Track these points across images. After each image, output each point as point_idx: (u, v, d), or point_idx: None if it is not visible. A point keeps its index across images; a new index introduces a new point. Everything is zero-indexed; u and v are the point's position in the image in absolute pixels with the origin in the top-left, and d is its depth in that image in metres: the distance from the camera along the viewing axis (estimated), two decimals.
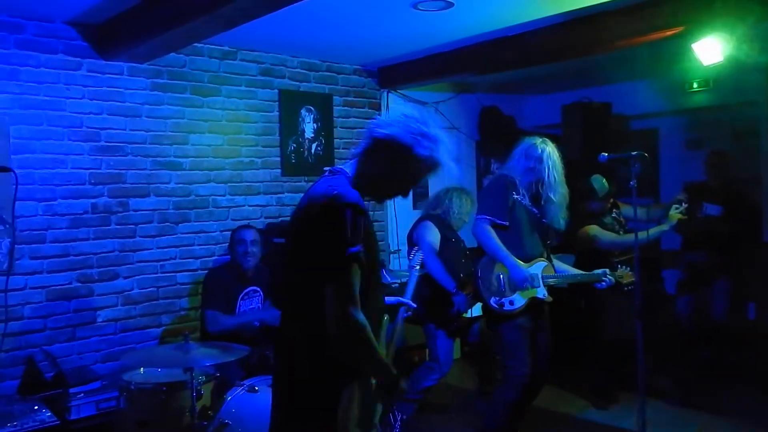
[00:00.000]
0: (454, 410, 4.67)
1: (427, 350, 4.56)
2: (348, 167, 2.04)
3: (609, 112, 5.92)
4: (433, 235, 4.19)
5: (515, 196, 3.56)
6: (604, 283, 3.63)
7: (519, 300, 3.54)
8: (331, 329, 1.83)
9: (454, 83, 6.19)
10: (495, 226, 3.55)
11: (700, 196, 4.87)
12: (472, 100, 6.51)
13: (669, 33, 3.89)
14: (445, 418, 4.54)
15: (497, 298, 3.55)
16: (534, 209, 3.61)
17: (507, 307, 3.54)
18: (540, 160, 3.55)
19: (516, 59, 4.76)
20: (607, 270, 3.66)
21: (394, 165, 1.99)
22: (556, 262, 3.80)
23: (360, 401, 1.96)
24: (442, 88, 6.16)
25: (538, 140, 3.63)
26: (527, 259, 3.59)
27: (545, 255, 3.70)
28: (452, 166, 2.07)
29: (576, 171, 5.85)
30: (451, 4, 3.83)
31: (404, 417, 4.05)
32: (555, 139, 6.12)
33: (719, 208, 4.79)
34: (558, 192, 3.58)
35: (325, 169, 2.07)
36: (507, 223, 3.55)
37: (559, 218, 3.63)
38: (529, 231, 3.61)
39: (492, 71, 5.20)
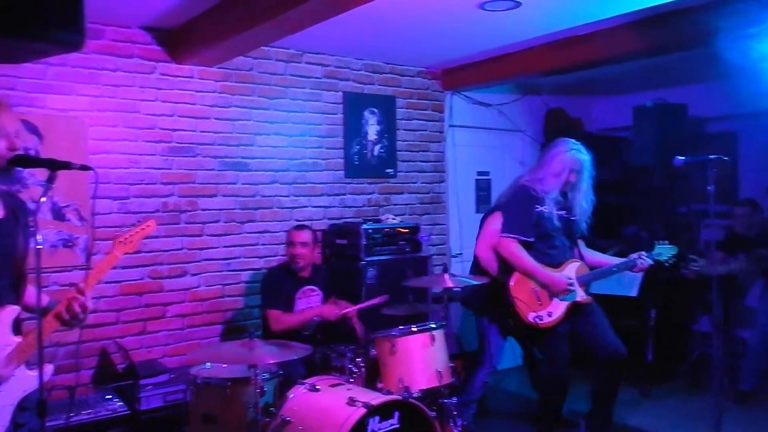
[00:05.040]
0: (515, 417, 4.59)
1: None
2: None
3: (684, 114, 5.70)
4: (494, 229, 4.15)
5: (538, 209, 3.53)
6: (640, 264, 3.61)
7: (557, 309, 3.50)
8: None
9: (519, 85, 6.09)
10: (521, 242, 3.57)
11: None
12: (537, 101, 6.40)
13: (751, 31, 3.72)
14: (506, 425, 4.46)
15: (535, 313, 3.51)
16: (560, 212, 3.58)
17: (545, 319, 3.52)
18: (576, 172, 3.56)
19: (585, 59, 4.64)
20: (643, 252, 3.64)
21: None
22: (590, 253, 3.75)
23: None
24: (507, 89, 6.07)
25: (577, 151, 3.60)
26: (558, 264, 3.58)
27: (575, 254, 3.70)
28: None
29: (648, 176, 5.73)
30: (519, 4, 3.77)
31: (465, 423, 4.00)
32: (625, 143, 6.00)
33: None
34: (586, 197, 3.60)
35: None
36: (533, 240, 3.56)
37: (583, 222, 3.67)
38: (557, 237, 3.62)
39: (559, 72, 5.08)
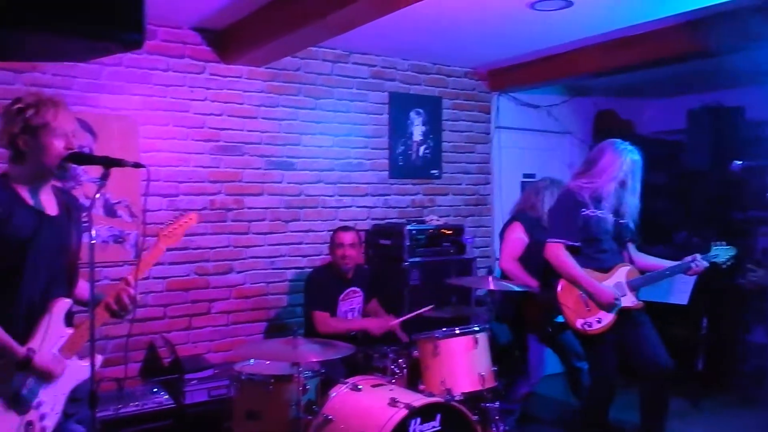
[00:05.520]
0: (557, 424, 4.51)
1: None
2: None
3: (741, 117, 5.50)
4: (515, 239, 4.09)
5: (584, 212, 3.44)
6: (695, 267, 3.50)
7: (607, 315, 3.42)
8: None
9: (568, 86, 5.98)
10: (567, 247, 3.47)
11: None
12: (587, 103, 6.27)
13: None
14: None
15: (583, 320, 3.42)
16: (609, 216, 3.49)
17: (594, 326, 3.44)
18: (628, 172, 3.46)
19: (638, 60, 4.52)
20: (698, 255, 3.50)
21: None
22: (641, 256, 3.67)
23: None
24: (555, 90, 5.97)
25: (628, 151, 3.52)
26: (607, 269, 3.49)
27: (625, 258, 3.59)
28: None
29: (702, 180, 5.56)
30: (571, 3, 3.70)
31: (507, 428, 3.95)
32: (679, 146, 5.82)
33: None
34: (635, 198, 3.50)
35: None
36: (579, 244, 3.47)
37: (631, 224, 3.55)
38: (605, 241, 3.51)
39: (611, 73, 4.96)
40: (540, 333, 4.11)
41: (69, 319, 2.30)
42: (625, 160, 3.46)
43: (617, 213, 3.51)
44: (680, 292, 4.27)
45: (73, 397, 2.29)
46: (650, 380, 3.50)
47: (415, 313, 3.98)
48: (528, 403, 4.45)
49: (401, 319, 3.98)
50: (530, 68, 5.18)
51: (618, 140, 3.58)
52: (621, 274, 3.47)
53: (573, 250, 3.47)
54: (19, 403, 2.13)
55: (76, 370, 2.28)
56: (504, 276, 4.18)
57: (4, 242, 2.13)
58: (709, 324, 4.99)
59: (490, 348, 3.52)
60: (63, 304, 2.27)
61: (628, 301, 3.44)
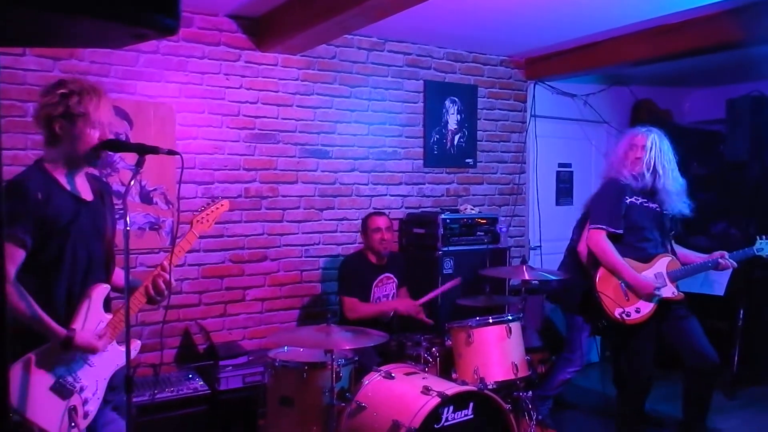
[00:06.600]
0: (592, 412, 4.46)
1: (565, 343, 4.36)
2: None
3: None
4: None
5: (628, 200, 3.39)
6: (722, 263, 3.47)
7: (646, 305, 3.36)
8: None
9: (606, 75, 5.87)
10: (610, 234, 3.43)
11: None
12: (625, 92, 6.14)
13: None
14: (583, 420, 4.36)
15: (621, 309, 3.37)
16: (650, 204, 3.44)
17: (633, 315, 3.39)
18: (645, 148, 3.42)
19: (679, 49, 4.40)
20: (725, 252, 3.48)
21: None
22: (683, 251, 3.63)
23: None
24: (593, 80, 5.86)
25: (642, 129, 3.50)
26: (649, 259, 3.44)
27: (668, 248, 3.53)
28: None
29: (741, 171, 5.41)
30: None
31: (540, 417, 3.92)
32: (718, 137, 5.69)
33: None
34: (671, 178, 3.43)
35: None
36: (621, 231, 3.43)
37: (679, 206, 3.47)
38: (648, 230, 3.46)
39: (650, 62, 4.85)
40: (594, 324, 4.07)
41: (107, 305, 2.34)
42: (630, 138, 3.47)
43: (660, 203, 3.45)
44: (717, 283, 4.20)
45: (111, 385, 2.33)
46: (691, 373, 3.45)
47: (444, 288, 3.98)
48: (562, 391, 4.41)
49: (427, 297, 3.98)
50: (568, 57, 5.09)
51: (637, 126, 3.58)
52: (662, 264, 3.42)
53: (615, 238, 3.42)
54: (63, 388, 2.17)
55: (116, 355, 2.31)
56: (573, 260, 4.11)
57: (45, 226, 2.15)
58: (746, 315, 4.89)
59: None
60: (102, 290, 2.30)
61: (668, 292, 3.39)
